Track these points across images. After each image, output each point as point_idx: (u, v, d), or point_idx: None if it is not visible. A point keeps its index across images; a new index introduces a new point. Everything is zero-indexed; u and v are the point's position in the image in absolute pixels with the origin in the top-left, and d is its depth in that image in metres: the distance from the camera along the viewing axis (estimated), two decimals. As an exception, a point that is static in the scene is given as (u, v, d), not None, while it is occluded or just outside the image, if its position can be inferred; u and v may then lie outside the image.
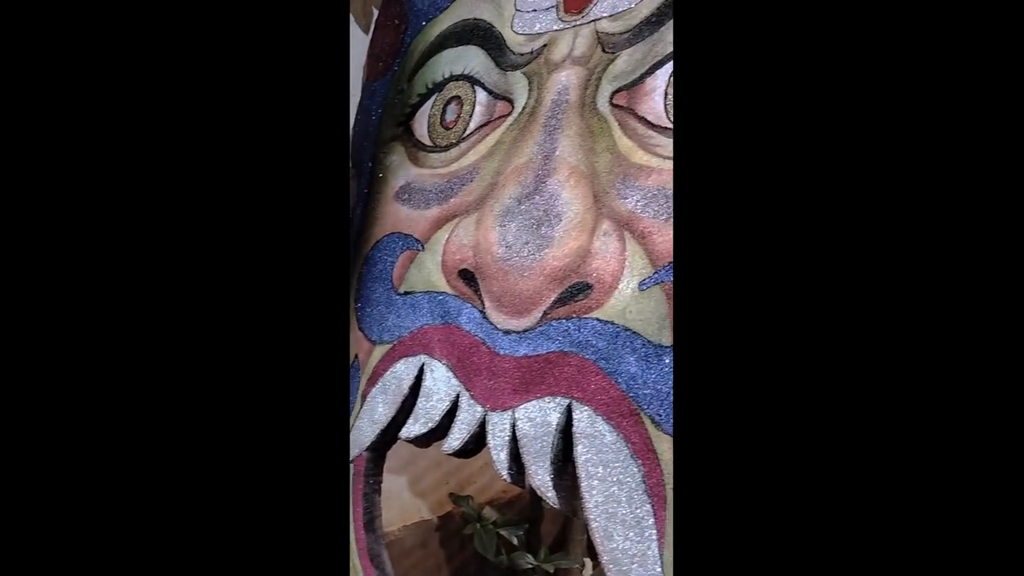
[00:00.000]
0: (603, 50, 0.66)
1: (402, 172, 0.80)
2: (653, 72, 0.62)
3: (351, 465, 0.76)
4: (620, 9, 0.66)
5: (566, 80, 0.67)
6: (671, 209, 0.57)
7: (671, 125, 0.60)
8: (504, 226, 0.65)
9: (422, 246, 0.74)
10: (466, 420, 0.65)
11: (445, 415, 0.67)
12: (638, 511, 0.53)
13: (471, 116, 0.75)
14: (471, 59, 0.77)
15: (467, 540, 1.26)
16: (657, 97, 0.61)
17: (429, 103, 0.80)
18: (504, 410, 0.62)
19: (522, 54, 0.72)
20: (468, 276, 0.68)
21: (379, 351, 0.76)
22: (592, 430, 0.56)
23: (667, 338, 0.54)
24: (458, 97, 0.77)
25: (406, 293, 0.75)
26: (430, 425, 0.68)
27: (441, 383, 0.68)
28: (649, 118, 0.61)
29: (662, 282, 0.56)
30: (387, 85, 0.88)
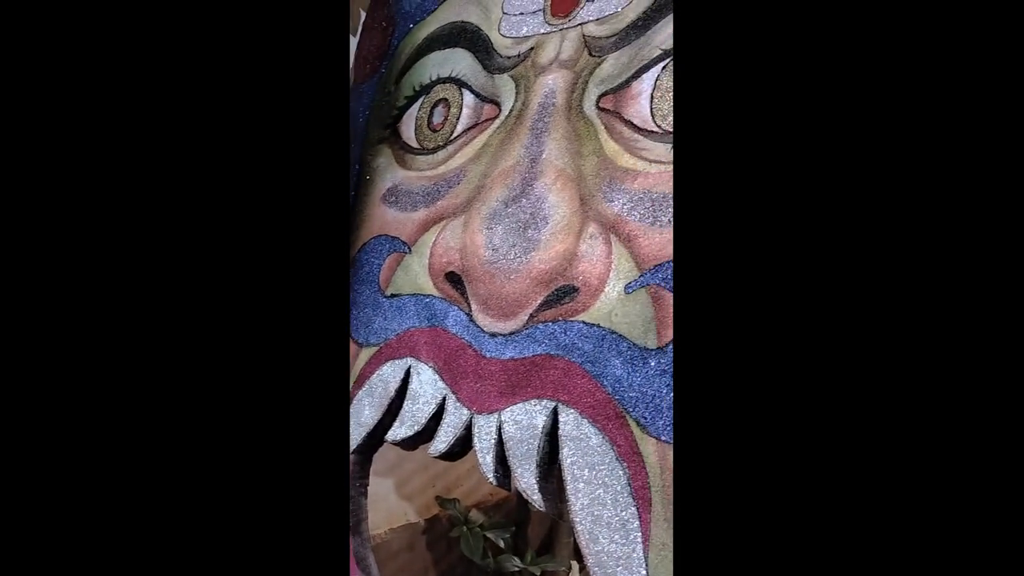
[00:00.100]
0: (590, 54, 0.66)
1: (389, 175, 0.80)
2: (639, 76, 0.62)
3: (337, 468, 0.75)
4: (607, 13, 0.66)
5: (553, 83, 0.67)
6: (656, 212, 0.57)
7: (657, 129, 0.60)
8: (491, 229, 0.65)
9: (409, 249, 0.74)
10: (452, 423, 0.65)
11: (431, 418, 0.67)
12: (623, 514, 0.53)
13: (458, 119, 0.75)
14: (458, 62, 0.77)
15: (454, 543, 1.26)
16: (643, 101, 0.62)
17: (416, 105, 0.80)
18: (490, 413, 0.62)
19: (509, 57, 0.72)
20: (455, 279, 0.68)
21: (365, 353, 0.76)
22: (578, 433, 0.56)
23: (653, 341, 0.54)
24: (445, 100, 0.77)
25: (393, 296, 0.74)
26: (416, 428, 0.68)
27: (427, 386, 0.68)
28: (635, 122, 0.62)
29: (648, 285, 0.56)
30: (374, 87, 0.87)
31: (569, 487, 0.56)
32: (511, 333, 0.63)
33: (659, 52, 0.61)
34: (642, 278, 0.56)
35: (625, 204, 0.59)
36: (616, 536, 0.53)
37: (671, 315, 0.54)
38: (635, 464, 0.53)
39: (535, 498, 0.59)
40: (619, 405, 0.55)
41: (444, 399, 0.67)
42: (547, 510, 0.60)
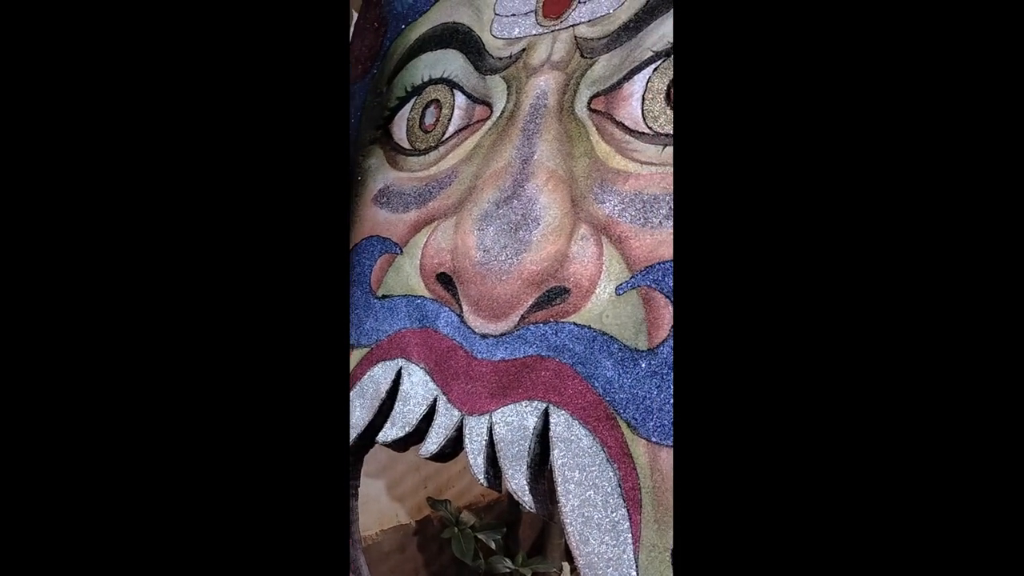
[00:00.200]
0: (581, 55, 0.66)
1: (380, 175, 0.80)
2: (631, 77, 0.62)
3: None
4: (598, 15, 0.67)
5: (544, 84, 0.67)
6: (648, 214, 0.57)
7: (648, 130, 0.60)
8: (482, 230, 0.65)
9: (400, 250, 0.74)
10: (443, 424, 0.65)
11: (422, 419, 0.67)
12: (613, 515, 0.53)
13: (450, 120, 0.75)
14: (450, 63, 0.77)
15: (445, 544, 1.25)
16: (634, 102, 0.62)
17: (408, 106, 0.80)
18: (481, 414, 0.62)
19: (501, 58, 0.72)
20: (446, 280, 0.68)
21: (357, 355, 0.75)
22: (569, 434, 0.56)
23: (643, 342, 0.55)
24: (437, 101, 0.77)
25: (384, 297, 0.74)
26: (407, 429, 0.68)
27: (418, 387, 0.68)
28: (627, 123, 0.62)
29: (639, 287, 0.56)
30: (366, 88, 0.87)
31: (560, 488, 0.56)
32: (502, 334, 0.63)
33: (650, 54, 0.62)
34: (633, 279, 0.57)
35: (616, 205, 0.59)
36: (606, 537, 0.53)
37: (662, 317, 0.54)
38: (626, 465, 0.53)
39: (526, 499, 0.59)
40: (610, 406, 0.55)
41: (435, 400, 0.66)
42: (538, 511, 0.60)
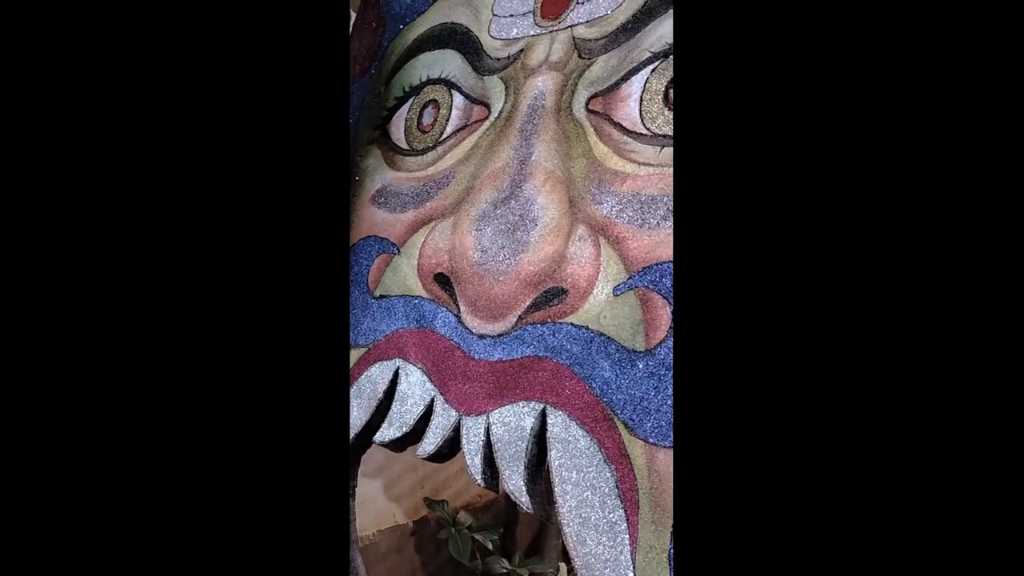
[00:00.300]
0: (579, 56, 0.66)
1: (378, 175, 0.80)
2: (629, 78, 0.62)
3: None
4: (597, 15, 0.67)
5: (542, 85, 0.67)
6: (645, 215, 0.57)
7: (646, 131, 0.60)
8: (480, 230, 0.65)
9: (398, 250, 0.74)
10: (441, 424, 0.65)
11: (420, 419, 0.67)
12: (611, 516, 0.53)
13: (448, 120, 0.75)
14: (448, 63, 0.77)
15: (442, 544, 1.25)
16: (632, 103, 0.62)
17: (406, 107, 0.80)
18: (479, 414, 0.62)
19: (499, 59, 0.72)
20: (443, 280, 0.68)
21: (354, 354, 0.75)
22: (566, 435, 0.56)
23: (641, 343, 0.55)
24: (435, 101, 0.77)
25: (381, 297, 0.74)
26: (405, 429, 0.68)
27: (416, 387, 0.68)
28: (624, 124, 0.62)
29: (636, 287, 0.56)
30: (364, 88, 0.87)
31: (557, 489, 0.56)
32: (500, 335, 0.63)
33: (648, 55, 0.62)
34: (631, 280, 0.57)
35: (614, 206, 0.59)
36: (604, 538, 0.53)
37: (659, 318, 0.54)
38: (623, 466, 0.53)
39: (523, 500, 0.59)
40: (607, 407, 0.55)
41: (432, 400, 0.66)
42: (535, 512, 0.60)
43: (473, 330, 0.65)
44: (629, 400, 0.54)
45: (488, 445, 0.61)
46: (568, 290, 0.60)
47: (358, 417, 0.72)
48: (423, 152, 0.76)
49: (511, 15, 0.73)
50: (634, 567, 0.51)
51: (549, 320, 0.60)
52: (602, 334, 0.57)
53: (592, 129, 0.63)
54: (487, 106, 0.72)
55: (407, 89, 0.80)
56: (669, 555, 0.50)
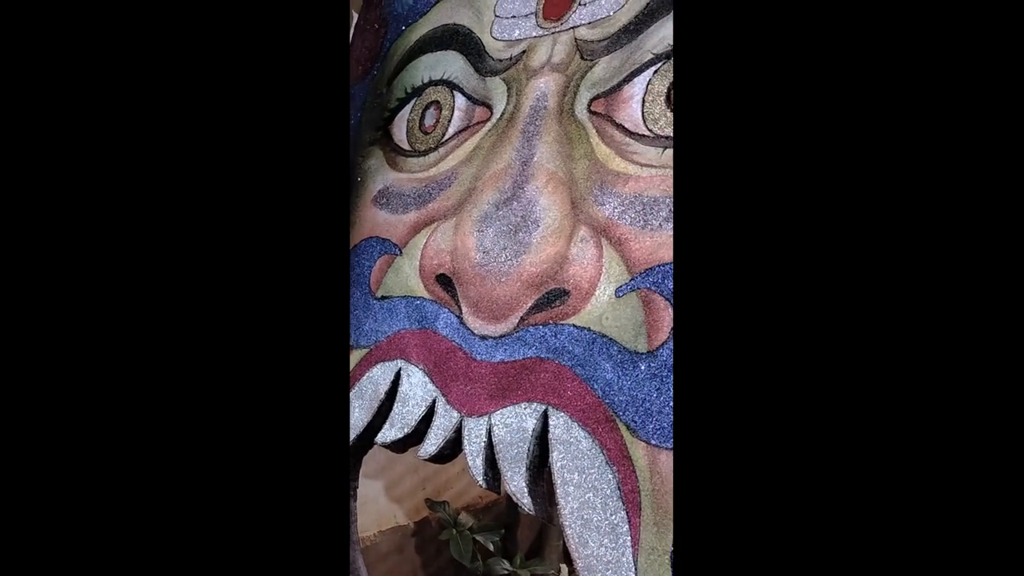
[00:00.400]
0: (581, 57, 0.67)
1: (380, 176, 0.80)
2: (631, 80, 0.62)
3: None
4: (599, 17, 0.67)
5: (544, 86, 0.67)
6: (647, 216, 0.57)
7: (648, 132, 0.60)
8: (482, 231, 0.65)
9: (400, 251, 0.74)
10: (442, 425, 0.65)
11: (421, 420, 0.67)
12: (613, 517, 0.53)
13: (450, 121, 0.75)
14: (450, 64, 0.77)
15: (443, 546, 1.25)
16: (635, 104, 0.62)
17: (408, 107, 0.80)
18: (480, 415, 0.62)
19: (501, 60, 0.72)
20: (445, 281, 0.68)
21: (356, 355, 0.75)
22: (568, 436, 0.56)
23: (643, 345, 0.55)
24: (437, 102, 0.77)
25: (383, 298, 0.74)
26: (406, 430, 0.68)
27: (417, 388, 0.68)
28: (627, 125, 0.62)
29: (638, 289, 0.56)
30: (366, 89, 0.87)
31: (559, 490, 0.56)
32: (501, 336, 0.63)
33: (651, 56, 0.62)
34: (633, 282, 0.57)
35: (616, 208, 0.59)
36: (605, 540, 0.53)
37: (661, 319, 0.54)
38: (625, 468, 0.53)
39: (525, 501, 0.59)
40: (609, 409, 0.55)
41: (434, 401, 0.66)
42: (537, 513, 0.60)
43: (475, 331, 0.65)
44: (631, 401, 0.54)
45: (490, 446, 0.61)
46: (570, 291, 0.60)
47: (360, 418, 0.72)
48: (425, 153, 0.77)
49: (513, 16, 0.73)
50: (636, 569, 0.51)
51: (551, 321, 0.60)
52: (604, 335, 0.57)
53: (594, 130, 0.63)
54: (489, 107, 0.72)
55: (409, 90, 0.80)
56: (671, 557, 0.50)
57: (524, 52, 0.71)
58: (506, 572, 1.21)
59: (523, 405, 0.60)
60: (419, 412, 0.67)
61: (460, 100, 0.75)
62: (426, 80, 0.79)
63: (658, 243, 0.56)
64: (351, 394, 0.74)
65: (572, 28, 0.68)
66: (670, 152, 0.58)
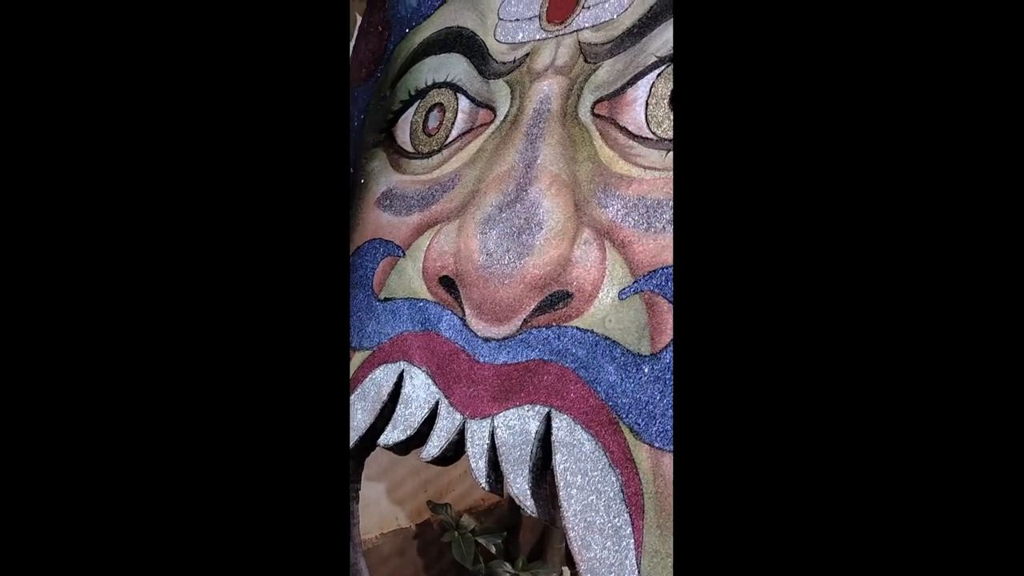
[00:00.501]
0: (585, 60, 0.67)
1: (384, 178, 0.80)
2: (634, 83, 0.63)
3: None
4: (602, 20, 0.67)
5: (548, 89, 0.67)
6: (651, 219, 0.57)
7: (652, 135, 0.60)
8: (485, 234, 0.65)
9: (403, 252, 0.74)
10: (445, 427, 0.65)
11: (424, 422, 0.67)
12: (616, 520, 0.53)
13: (453, 123, 0.75)
14: (454, 67, 0.77)
15: (445, 548, 1.25)
16: (638, 107, 0.62)
17: (411, 110, 0.80)
18: (483, 418, 0.62)
19: (505, 63, 0.72)
20: (448, 283, 0.68)
21: (359, 357, 0.75)
22: (571, 439, 0.56)
23: (646, 347, 0.55)
24: (440, 104, 0.77)
25: (386, 299, 0.74)
26: (409, 432, 0.68)
27: (420, 390, 0.68)
28: (630, 128, 0.62)
29: (641, 291, 0.56)
30: (369, 91, 0.87)
31: (562, 493, 0.56)
32: (504, 338, 0.63)
33: (654, 59, 0.62)
34: (636, 284, 0.57)
35: (619, 210, 0.59)
36: (608, 542, 0.53)
37: (665, 321, 0.54)
38: (628, 470, 0.53)
39: (527, 504, 0.59)
40: (612, 411, 0.55)
41: (437, 403, 0.66)
42: (539, 516, 0.60)
43: (478, 333, 0.65)
44: (634, 404, 0.54)
45: (492, 448, 0.61)
46: (573, 293, 0.60)
47: (362, 420, 0.72)
48: (428, 155, 0.77)
49: (517, 19, 0.73)
50: (639, 572, 0.51)
51: (554, 323, 0.60)
52: (607, 338, 0.57)
53: (598, 133, 0.64)
54: (492, 110, 0.72)
55: (413, 92, 0.80)
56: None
57: (528, 55, 0.71)
58: (508, 575, 1.21)
59: (526, 407, 0.60)
60: (422, 414, 0.67)
61: (464, 102, 0.75)
62: (430, 82, 0.79)
63: (661, 246, 0.56)
64: (354, 396, 0.74)
65: (576, 31, 0.68)
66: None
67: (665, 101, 0.60)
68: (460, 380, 0.65)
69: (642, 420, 0.53)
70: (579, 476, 0.55)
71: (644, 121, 0.61)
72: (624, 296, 0.57)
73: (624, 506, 0.53)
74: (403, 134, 0.80)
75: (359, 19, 0.96)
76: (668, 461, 0.51)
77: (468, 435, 0.63)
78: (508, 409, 0.61)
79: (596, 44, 0.66)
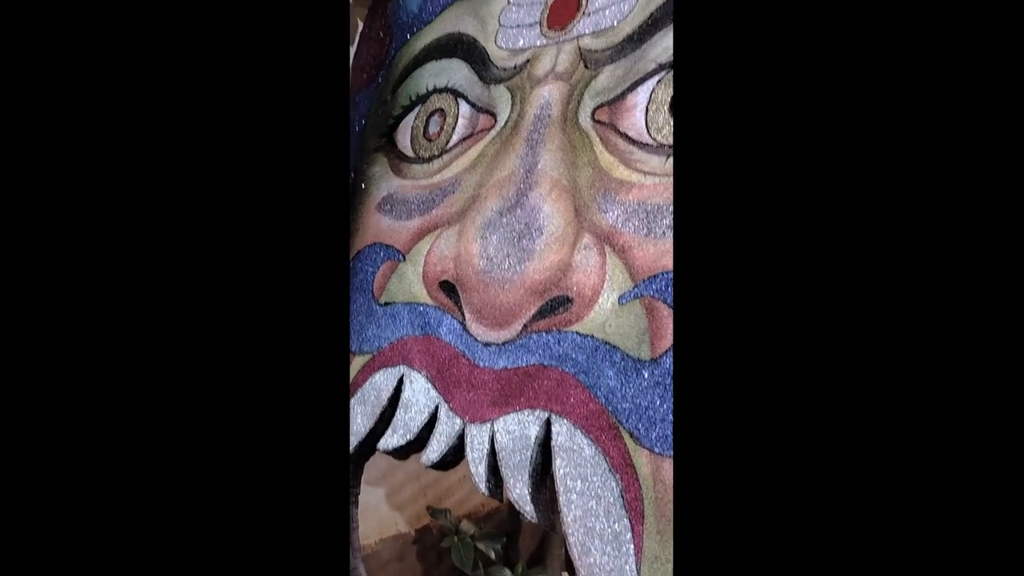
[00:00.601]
0: (585, 66, 0.67)
1: (384, 183, 0.81)
2: (635, 88, 0.63)
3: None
4: (603, 27, 0.67)
5: (548, 95, 0.68)
6: (651, 224, 0.57)
7: (652, 141, 0.60)
8: (485, 238, 0.65)
9: (403, 257, 0.74)
10: (445, 432, 0.65)
11: (424, 427, 0.67)
12: (616, 526, 0.53)
13: (454, 129, 0.76)
14: (455, 72, 0.77)
15: (444, 553, 1.25)
16: (638, 113, 0.62)
17: (412, 115, 0.80)
18: (483, 422, 0.62)
19: (505, 68, 0.73)
20: (449, 288, 0.68)
21: (358, 361, 0.75)
22: (571, 444, 0.56)
23: (646, 352, 0.55)
24: (441, 110, 0.78)
25: (387, 304, 0.74)
26: (409, 437, 0.68)
27: (420, 394, 0.68)
28: (630, 134, 0.62)
29: (642, 296, 0.56)
30: (371, 96, 0.88)
31: (561, 498, 0.56)
32: (504, 343, 0.63)
33: (654, 65, 0.62)
34: (636, 289, 0.57)
35: (620, 215, 0.59)
36: (608, 548, 0.53)
37: (665, 326, 0.54)
38: (628, 476, 0.53)
39: (527, 509, 0.59)
40: (612, 416, 0.55)
41: (437, 408, 0.66)
42: (539, 521, 0.60)
43: (478, 338, 0.65)
44: (634, 409, 0.54)
45: (492, 453, 0.61)
46: (573, 299, 0.60)
47: (362, 424, 0.72)
48: (429, 160, 0.77)
49: (518, 25, 0.74)
50: (639, 577, 0.51)
51: (554, 328, 0.60)
52: (607, 343, 0.57)
53: (598, 139, 0.64)
54: (493, 115, 0.73)
55: (414, 98, 0.80)
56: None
57: (528, 61, 0.71)
58: (507, 580, 1.20)
59: (526, 412, 0.60)
60: (422, 419, 0.67)
61: (464, 108, 0.75)
62: (430, 88, 0.79)
63: (661, 251, 0.56)
64: (354, 400, 0.74)
65: (576, 38, 0.68)
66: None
67: (665, 107, 0.60)
68: (460, 385, 0.65)
69: (642, 425, 0.53)
70: (579, 481, 0.55)
71: (644, 127, 0.61)
72: (624, 301, 0.57)
73: (624, 511, 0.53)
74: (404, 139, 0.80)
75: (360, 25, 0.96)
76: (668, 466, 0.51)
77: (468, 440, 0.63)
78: (508, 414, 0.61)
79: (596, 50, 0.67)
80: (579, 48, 0.68)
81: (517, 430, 0.60)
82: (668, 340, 0.53)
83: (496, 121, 0.72)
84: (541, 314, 0.61)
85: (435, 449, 0.65)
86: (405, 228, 0.75)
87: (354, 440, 0.72)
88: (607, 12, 0.67)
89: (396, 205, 0.78)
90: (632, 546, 0.52)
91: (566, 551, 0.56)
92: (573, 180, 0.63)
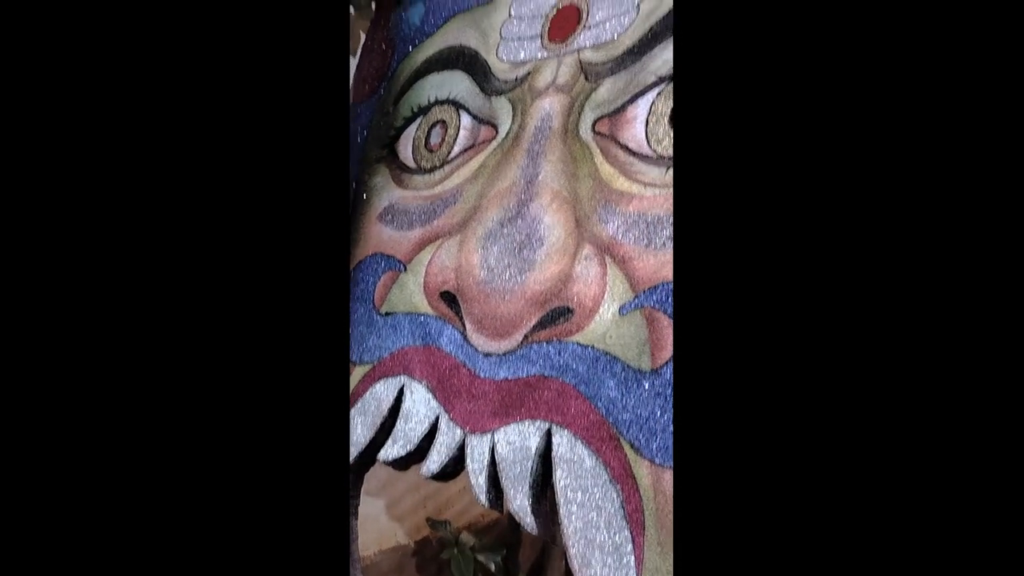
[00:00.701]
0: (586, 79, 0.67)
1: (386, 193, 0.81)
2: (635, 101, 0.63)
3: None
4: (603, 40, 0.68)
5: (549, 107, 0.68)
6: (651, 235, 0.58)
7: (652, 153, 0.61)
8: (486, 249, 0.65)
9: (404, 267, 0.74)
10: (445, 443, 0.65)
11: (424, 437, 0.67)
12: (616, 537, 0.53)
13: (455, 140, 0.76)
14: (456, 84, 0.78)
15: (444, 565, 1.24)
16: (638, 125, 0.62)
17: (414, 126, 0.81)
18: (483, 433, 0.62)
19: (506, 81, 0.73)
20: (450, 298, 0.68)
21: (359, 372, 0.75)
22: (572, 455, 0.56)
23: (647, 363, 0.55)
24: (443, 121, 0.78)
25: (387, 314, 0.75)
26: (409, 447, 0.68)
27: (420, 405, 0.68)
28: (630, 146, 0.62)
29: (642, 307, 0.56)
30: (372, 108, 0.88)
31: (562, 509, 0.55)
32: (505, 353, 0.63)
33: (654, 78, 0.62)
34: (636, 300, 0.57)
35: (620, 226, 0.60)
36: (609, 560, 0.52)
37: (665, 337, 0.54)
38: (629, 487, 0.53)
39: (527, 520, 0.59)
40: (613, 427, 0.55)
41: (437, 418, 0.66)
42: (539, 533, 0.59)
43: (479, 348, 0.65)
44: (635, 420, 0.54)
45: (493, 464, 0.61)
46: (574, 309, 0.60)
47: (362, 435, 0.72)
48: (430, 171, 0.77)
49: (519, 38, 0.74)
50: (639, 589, 0.51)
51: (555, 339, 0.60)
52: (608, 353, 0.57)
53: (598, 150, 0.64)
54: (494, 127, 0.73)
55: (415, 109, 0.81)
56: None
57: (529, 73, 0.72)
58: (507, 593, 1.20)
59: (526, 423, 0.60)
60: (422, 429, 0.67)
61: (466, 119, 0.76)
62: (432, 99, 0.80)
63: (662, 262, 0.56)
64: (354, 410, 0.74)
65: (577, 50, 0.69)
66: (674, 172, 0.59)
67: (665, 119, 0.61)
68: (460, 395, 0.65)
69: (643, 436, 0.53)
70: (579, 492, 0.55)
71: (644, 139, 0.62)
72: (625, 312, 0.57)
73: (625, 523, 0.52)
74: (405, 150, 0.81)
75: (363, 37, 0.97)
76: (669, 477, 0.51)
77: (468, 450, 0.63)
78: (508, 424, 0.61)
79: (597, 63, 0.67)
80: (580, 61, 0.68)
81: (518, 441, 0.60)
82: (669, 351, 0.53)
83: (497, 133, 0.72)
84: (542, 324, 0.61)
85: (435, 460, 0.65)
86: (406, 238, 0.75)
87: (354, 450, 0.72)
88: (607, 25, 0.68)
89: (397, 215, 0.78)
90: (633, 558, 0.52)
91: (567, 563, 0.56)
92: (574, 191, 0.64)
